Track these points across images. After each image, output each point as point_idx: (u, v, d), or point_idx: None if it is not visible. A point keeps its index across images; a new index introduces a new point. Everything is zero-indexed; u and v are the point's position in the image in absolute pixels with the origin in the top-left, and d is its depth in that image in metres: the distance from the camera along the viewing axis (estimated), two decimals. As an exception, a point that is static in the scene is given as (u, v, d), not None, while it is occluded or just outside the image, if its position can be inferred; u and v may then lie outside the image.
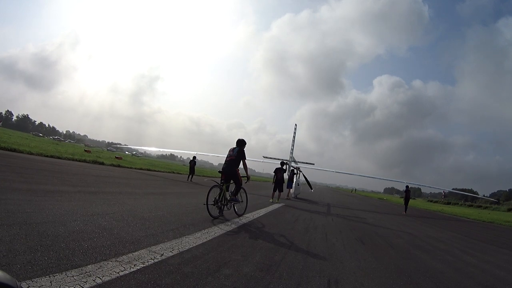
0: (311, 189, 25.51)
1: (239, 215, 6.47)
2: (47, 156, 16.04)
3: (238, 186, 6.26)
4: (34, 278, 2.06)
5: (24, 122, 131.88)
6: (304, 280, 3.00)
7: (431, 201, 64.66)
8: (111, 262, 2.60)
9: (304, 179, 22.01)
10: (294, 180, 17.13)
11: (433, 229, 10.65)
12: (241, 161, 6.23)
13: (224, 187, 5.95)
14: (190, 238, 3.91)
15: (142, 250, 3.06)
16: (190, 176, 18.16)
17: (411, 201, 21.29)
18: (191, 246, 3.54)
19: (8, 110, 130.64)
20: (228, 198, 6.05)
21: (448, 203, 51.23)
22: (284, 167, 13.90)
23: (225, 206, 6.00)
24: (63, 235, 3.08)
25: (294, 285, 2.82)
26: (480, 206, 44.87)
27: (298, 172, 20.24)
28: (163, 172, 24.80)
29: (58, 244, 2.79)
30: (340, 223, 8.50)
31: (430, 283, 3.54)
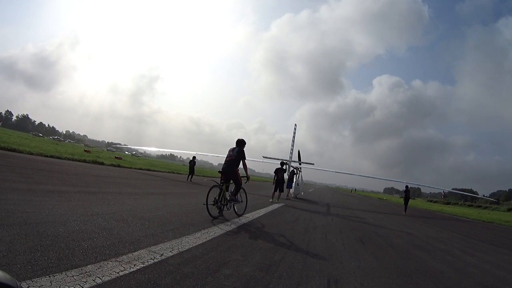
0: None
1: (239, 215, 6.47)
2: (47, 156, 16.02)
3: (238, 186, 6.26)
4: (34, 278, 2.06)
5: (24, 122, 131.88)
6: (304, 280, 3.00)
7: (431, 201, 64.72)
8: (111, 262, 2.60)
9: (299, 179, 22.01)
10: (294, 180, 17.13)
11: (433, 229, 10.65)
12: (241, 161, 6.23)
13: (224, 187, 5.95)
14: (190, 238, 3.91)
15: (142, 250, 3.06)
16: (190, 176, 18.15)
17: (411, 201, 21.31)
18: (191, 246, 3.54)
19: (8, 110, 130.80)
20: (228, 198, 6.05)
21: (448, 203, 51.25)
22: (284, 167, 13.90)
23: (225, 206, 6.00)
24: (63, 235, 3.08)
25: (294, 285, 2.83)
26: (480, 206, 44.90)
27: (298, 172, 20.24)
28: (163, 172, 24.79)
29: (58, 244, 2.79)
30: (340, 223, 8.50)
31: (430, 283, 3.55)
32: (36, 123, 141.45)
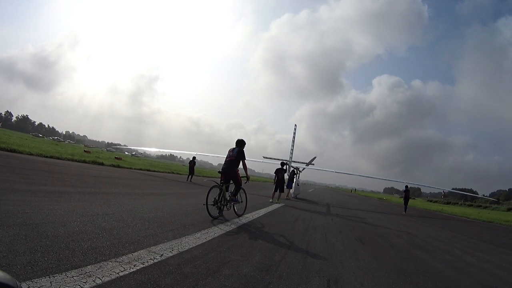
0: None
1: (238, 216, 6.47)
2: (46, 156, 16.02)
3: (238, 187, 6.26)
4: (34, 278, 2.06)
5: (24, 123, 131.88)
6: (304, 280, 3.00)
7: (430, 201, 64.70)
8: (111, 263, 2.60)
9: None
10: (294, 180, 17.13)
11: (433, 228, 10.65)
12: (241, 162, 6.23)
13: (223, 187, 5.95)
14: (190, 239, 3.91)
15: (141, 251, 3.06)
16: (190, 176, 18.14)
17: (410, 201, 21.31)
18: (190, 247, 3.54)
19: (7, 111, 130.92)
20: (228, 198, 6.05)
21: (448, 203, 51.25)
22: (285, 167, 13.91)
23: (225, 207, 6.00)
24: (62, 236, 3.08)
25: (294, 285, 2.83)
26: (480, 206, 44.91)
27: (298, 172, 20.26)
28: (162, 172, 24.79)
29: (58, 245, 2.79)
30: (340, 223, 8.50)
31: (430, 283, 3.55)
32: (36, 123, 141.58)
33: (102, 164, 18.90)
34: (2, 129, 63.51)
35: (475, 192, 77.20)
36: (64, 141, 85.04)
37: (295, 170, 18.54)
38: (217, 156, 24.19)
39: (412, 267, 4.25)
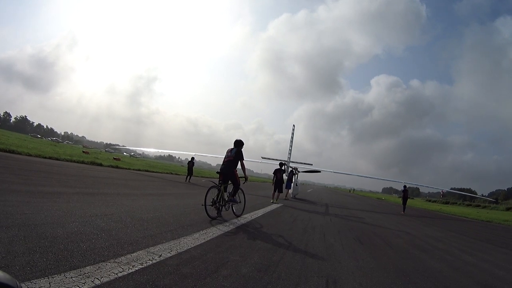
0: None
1: (237, 216, 6.47)
2: (45, 157, 15.96)
3: (236, 187, 6.27)
4: (33, 279, 2.06)
5: (22, 124, 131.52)
6: (303, 280, 3.01)
7: (429, 200, 64.88)
8: (109, 263, 2.60)
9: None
10: (293, 180, 17.14)
11: (432, 228, 10.68)
12: (239, 162, 6.24)
13: (222, 187, 5.95)
14: (188, 239, 3.91)
15: (140, 251, 3.06)
16: (188, 177, 18.12)
17: (409, 201, 21.37)
18: (189, 247, 3.54)
19: (6, 112, 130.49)
20: (226, 198, 6.06)
21: (447, 203, 51.41)
22: (283, 168, 13.92)
23: (223, 207, 6.01)
24: (61, 237, 3.08)
25: (293, 285, 2.83)
26: (478, 206, 45.03)
27: (297, 172, 20.28)
28: (161, 173, 24.73)
29: (57, 246, 2.79)
30: (339, 223, 8.51)
31: (429, 283, 3.56)
32: (35, 124, 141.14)
33: (100, 164, 18.85)
34: (1, 130, 63.27)
35: (474, 192, 77.41)
36: (62, 142, 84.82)
37: (293, 170, 18.56)
38: (215, 157, 24.23)
39: (411, 267, 4.26)
